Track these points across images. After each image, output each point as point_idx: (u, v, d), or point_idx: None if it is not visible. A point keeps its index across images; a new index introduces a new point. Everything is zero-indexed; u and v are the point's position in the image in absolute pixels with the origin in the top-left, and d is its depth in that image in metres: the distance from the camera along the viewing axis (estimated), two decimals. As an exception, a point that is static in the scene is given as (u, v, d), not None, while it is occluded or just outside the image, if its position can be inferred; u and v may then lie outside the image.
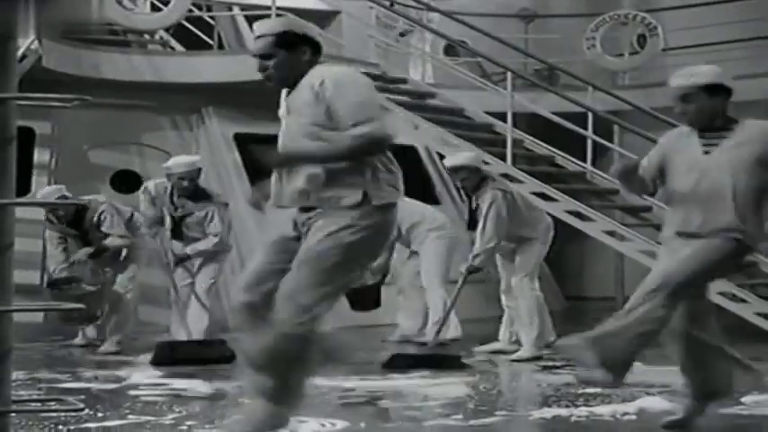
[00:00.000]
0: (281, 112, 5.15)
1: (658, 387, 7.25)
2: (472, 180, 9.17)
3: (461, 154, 9.58)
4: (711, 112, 5.60)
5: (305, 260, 4.90)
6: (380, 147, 4.96)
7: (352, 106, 4.87)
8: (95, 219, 9.41)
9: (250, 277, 5.05)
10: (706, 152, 5.61)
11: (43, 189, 9.99)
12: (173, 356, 8.52)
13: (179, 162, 9.27)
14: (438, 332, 9.39)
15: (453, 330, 9.94)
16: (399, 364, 8.40)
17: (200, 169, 9.26)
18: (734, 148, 5.58)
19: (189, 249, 9.25)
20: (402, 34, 14.13)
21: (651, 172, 5.76)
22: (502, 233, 8.95)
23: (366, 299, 9.90)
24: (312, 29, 5.14)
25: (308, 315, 4.84)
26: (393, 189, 5.01)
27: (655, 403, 6.68)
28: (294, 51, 5.01)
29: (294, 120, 5.02)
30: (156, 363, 8.49)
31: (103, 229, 9.40)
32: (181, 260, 9.29)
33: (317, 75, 4.95)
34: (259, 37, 5.07)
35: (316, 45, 5.07)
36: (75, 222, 9.51)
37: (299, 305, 4.84)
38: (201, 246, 9.23)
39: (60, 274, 9.46)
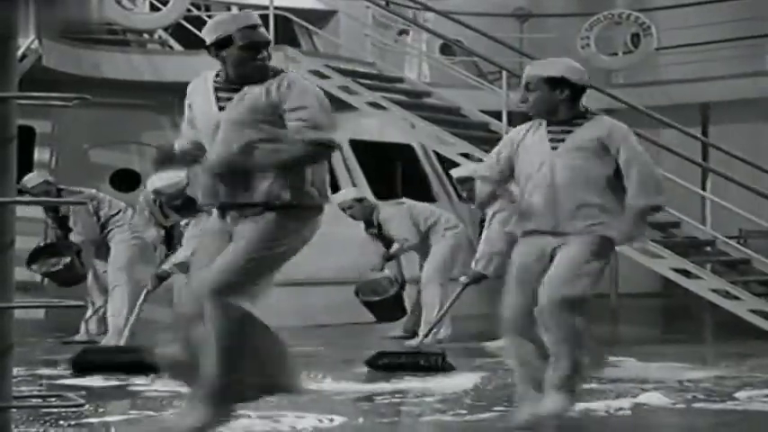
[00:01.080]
0: (215, 108, 5.08)
1: (653, 383, 7.29)
2: None
3: (469, 165, 9.66)
4: (550, 103, 5.57)
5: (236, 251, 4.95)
6: (328, 153, 5.00)
7: (303, 112, 4.88)
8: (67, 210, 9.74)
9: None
10: (553, 147, 5.56)
11: (27, 176, 9.98)
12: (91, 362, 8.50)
13: (166, 184, 9.15)
14: (426, 335, 9.37)
15: (444, 331, 9.91)
16: (383, 362, 8.23)
17: (187, 184, 9.24)
18: (579, 144, 5.53)
19: (166, 265, 9.19)
20: (400, 33, 14.17)
21: (501, 167, 5.71)
22: (506, 242, 9.02)
23: (390, 309, 9.88)
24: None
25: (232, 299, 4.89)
26: (322, 192, 5.04)
27: (649, 399, 6.70)
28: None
29: (238, 118, 4.98)
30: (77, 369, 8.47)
31: (70, 224, 9.67)
32: (162, 279, 9.23)
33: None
34: (261, 26, 5.09)
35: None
36: (55, 208, 9.88)
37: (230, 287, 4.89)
38: (180, 257, 9.11)
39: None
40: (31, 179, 9.90)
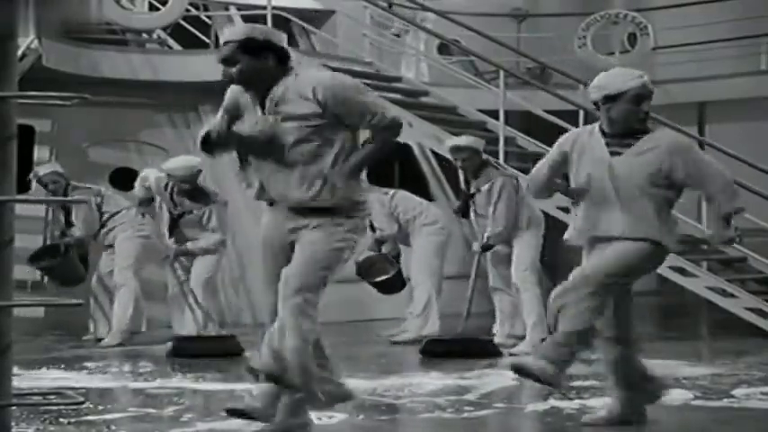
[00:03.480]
0: (256, 113, 5.22)
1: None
2: (473, 162, 9.30)
3: (465, 136, 9.72)
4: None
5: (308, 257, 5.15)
6: (400, 128, 5.21)
7: (359, 105, 5.11)
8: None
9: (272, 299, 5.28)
10: (612, 154, 5.67)
11: (40, 166, 10.12)
12: (190, 350, 8.64)
13: (179, 165, 9.34)
14: (468, 315, 9.48)
15: (430, 327, 9.92)
16: (436, 349, 8.77)
17: (200, 171, 9.34)
18: (642, 154, 5.65)
19: (190, 244, 9.33)
20: (398, 35, 14.19)
21: (555, 172, 5.86)
22: (512, 217, 9.11)
23: (394, 284, 10.01)
24: (277, 35, 5.26)
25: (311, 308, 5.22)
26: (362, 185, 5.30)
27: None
28: (257, 57, 5.14)
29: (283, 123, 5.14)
30: (175, 355, 8.62)
31: (72, 218, 9.72)
32: (180, 254, 9.37)
33: (308, 81, 5.13)
34: (225, 43, 5.22)
35: (282, 52, 5.20)
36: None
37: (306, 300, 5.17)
38: (202, 243, 9.32)
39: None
40: (43, 167, 10.00)
